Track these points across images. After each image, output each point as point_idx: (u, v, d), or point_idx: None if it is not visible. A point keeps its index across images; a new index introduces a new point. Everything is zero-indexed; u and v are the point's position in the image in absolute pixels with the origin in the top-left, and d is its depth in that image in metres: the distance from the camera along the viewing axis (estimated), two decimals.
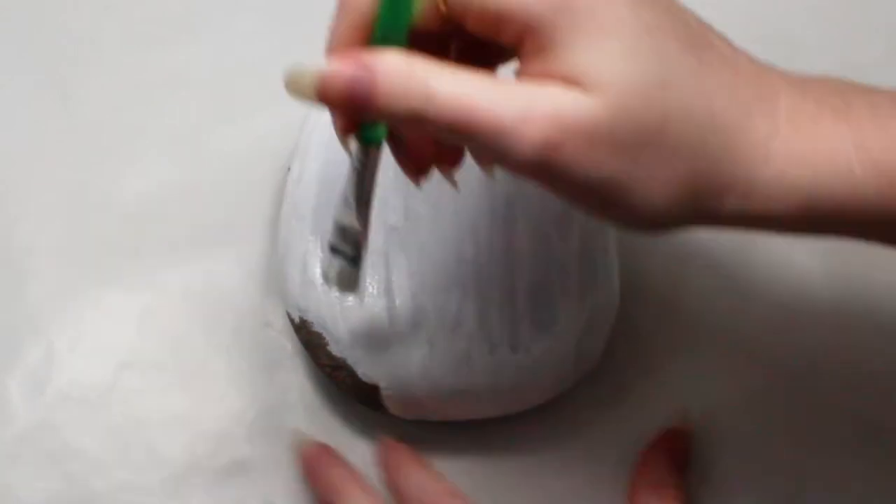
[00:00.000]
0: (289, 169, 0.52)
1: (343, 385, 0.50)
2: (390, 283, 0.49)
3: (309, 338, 0.50)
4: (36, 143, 0.56)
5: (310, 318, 0.49)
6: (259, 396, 0.52)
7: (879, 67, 0.60)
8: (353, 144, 0.40)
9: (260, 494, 0.50)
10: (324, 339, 0.49)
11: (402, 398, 0.49)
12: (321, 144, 0.52)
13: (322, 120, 0.52)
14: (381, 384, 0.49)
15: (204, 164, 0.56)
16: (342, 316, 0.49)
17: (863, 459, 0.52)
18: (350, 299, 0.48)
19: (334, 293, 0.48)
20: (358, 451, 0.51)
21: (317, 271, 0.49)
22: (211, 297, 0.53)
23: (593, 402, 0.52)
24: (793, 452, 0.52)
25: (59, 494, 0.50)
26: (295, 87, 0.38)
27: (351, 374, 0.49)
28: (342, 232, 0.40)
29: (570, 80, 0.36)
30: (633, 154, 0.36)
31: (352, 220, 0.40)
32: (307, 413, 0.52)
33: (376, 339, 0.48)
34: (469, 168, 0.51)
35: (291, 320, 0.50)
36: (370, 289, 0.49)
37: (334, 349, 0.49)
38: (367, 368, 0.48)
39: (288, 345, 0.52)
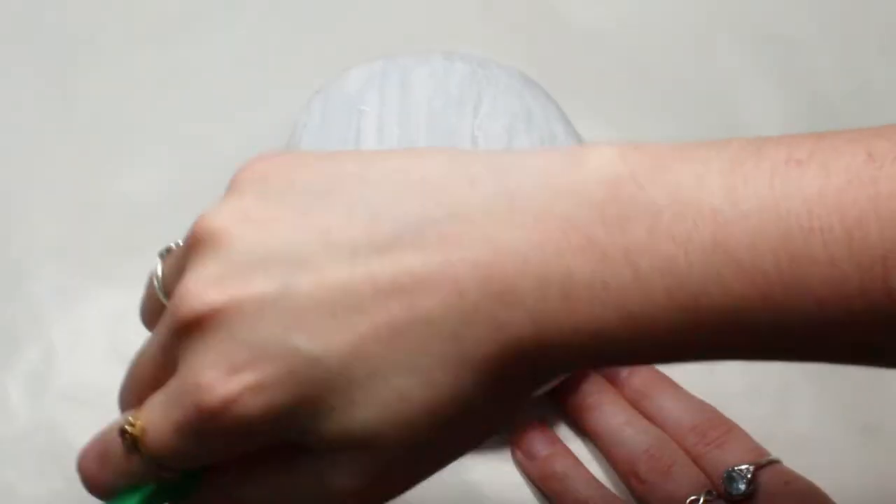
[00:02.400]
0: None
1: None
2: None
3: None
4: (36, 143, 0.56)
5: None
6: None
7: (880, 68, 0.60)
8: None
9: None
10: None
11: None
12: (309, 147, 0.52)
13: (312, 122, 0.53)
14: None
15: (204, 164, 0.56)
16: None
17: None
18: None
19: None
20: None
21: None
22: None
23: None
24: (792, 449, 0.52)
25: (59, 494, 0.50)
26: None
27: None
28: None
29: None
30: None
31: None
32: None
33: None
34: None
35: None
36: None
37: None
38: None
39: None
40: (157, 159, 0.56)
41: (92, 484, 0.38)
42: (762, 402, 0.53)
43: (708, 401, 0.51)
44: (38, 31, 0.58)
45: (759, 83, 0.59)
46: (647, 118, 0.58)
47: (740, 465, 0.48)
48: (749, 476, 0.47)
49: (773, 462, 0.48)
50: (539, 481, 0.50)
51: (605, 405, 0.50)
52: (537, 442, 0.50)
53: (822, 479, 0.51)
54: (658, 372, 0.51)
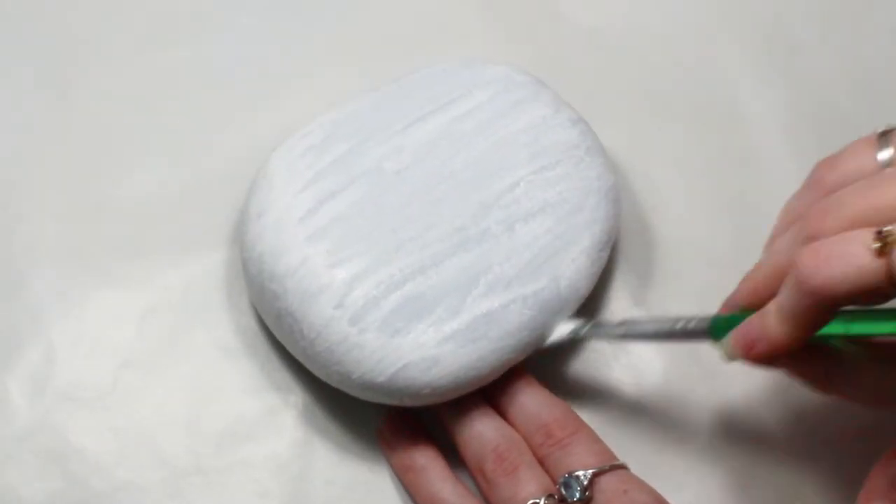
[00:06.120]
0: None
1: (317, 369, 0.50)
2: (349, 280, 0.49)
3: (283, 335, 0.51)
4: (36, 143, 0.56)
5: (276, 316, 0.50)
6: (259, 396, 0.52)
7: (880, 68, 0.60)
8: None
9: (260, 495, 0.50)
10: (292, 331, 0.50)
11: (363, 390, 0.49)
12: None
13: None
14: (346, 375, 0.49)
15: (204, 164, 0.56)
16: (300, 313, 0.49)
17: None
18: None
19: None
20: (359, 451, 0.51)
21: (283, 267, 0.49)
22: (211, 297, 0.53)
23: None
24: (792, 449, 0.52)
25: (59, 494, 0.50)
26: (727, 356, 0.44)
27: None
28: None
29: None
30: None
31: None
32: (307, 413, 0.52)
33: (332, 338, 0.48)
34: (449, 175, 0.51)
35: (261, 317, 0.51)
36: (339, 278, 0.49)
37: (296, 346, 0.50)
38: (322, 364, 0.49)
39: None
40: (158, 160, 0.56)
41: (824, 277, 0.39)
42: (763, 402, 0.53)
43: (711, 405, 0.51)
44: (37, 32, 0.58)
45: (761, 83, 0.59)
46: (648, 118, 0.58)
47: (581, 469, 0.46)
48: (585, 483, 0.46)
49: (618, 467, 0.47)
50: (398, 471, 0.49)
51: (459, 398, 0.49)
52: (401, 432, 0.50)
53: (820, 479, 0.51)
54: (516, 367, 0.50)
